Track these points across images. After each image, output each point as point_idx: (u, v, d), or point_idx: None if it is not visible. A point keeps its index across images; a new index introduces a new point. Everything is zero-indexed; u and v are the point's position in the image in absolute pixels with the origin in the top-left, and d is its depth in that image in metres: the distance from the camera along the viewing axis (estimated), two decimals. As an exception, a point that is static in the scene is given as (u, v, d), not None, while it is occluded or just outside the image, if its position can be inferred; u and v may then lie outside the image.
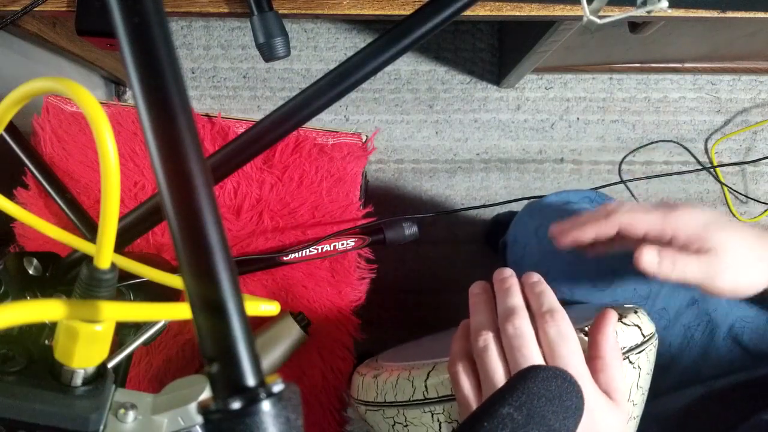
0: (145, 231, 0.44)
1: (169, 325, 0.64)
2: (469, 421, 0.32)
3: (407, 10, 0.53)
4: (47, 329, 0.30)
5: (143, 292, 0.44)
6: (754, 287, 0.45)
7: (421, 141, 1.22)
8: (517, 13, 0.53)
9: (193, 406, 0.28)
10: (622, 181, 1.20)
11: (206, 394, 0.29)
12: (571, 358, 0.39)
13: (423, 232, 0.75)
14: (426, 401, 0.45)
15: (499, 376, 0.40)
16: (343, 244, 0.68)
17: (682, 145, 1.23)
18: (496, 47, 1.23)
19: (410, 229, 0.70)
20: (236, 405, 0.18)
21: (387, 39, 0.36)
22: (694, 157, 1.23)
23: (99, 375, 0.26)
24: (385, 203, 1.22)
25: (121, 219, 0.40)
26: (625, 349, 0.43)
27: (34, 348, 0.27)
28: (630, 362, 0.44)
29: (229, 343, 0.18)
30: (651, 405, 0.51)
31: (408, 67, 1.23)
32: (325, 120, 1.23)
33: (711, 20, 0.53)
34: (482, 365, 0.41)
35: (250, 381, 0.18)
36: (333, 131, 0.71)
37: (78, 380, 0.25)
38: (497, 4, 0.53)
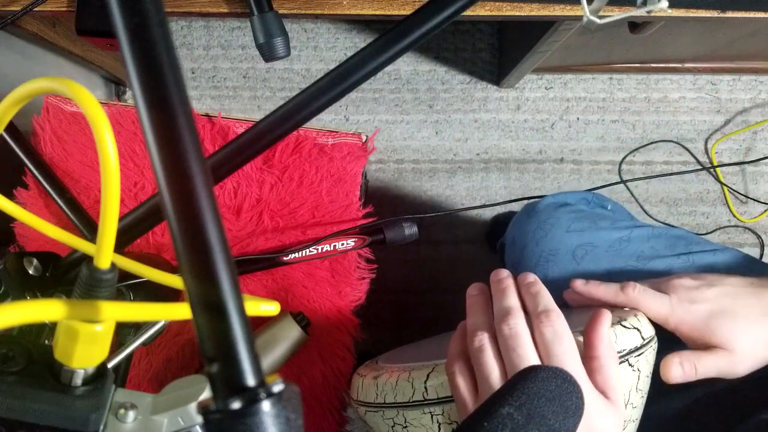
0: (145, 231, 0.44)
1: (169, 325, 0.64)
2: (469, 420, 0.32)
3: (407, 10, 0.53)
4: (47, 329, 0.30)
5: (143, 292, 0.44)
6: None
7: (421, 141, 1.22)
8: (517, 13, 0.53)
9: (193, 406, 0.28)
10: (622, 181, 1.20)
11: (206, 394, 0.29)
12: (567, 357, 0.39)
13: (423, 232, 0.75)
14: (425, 402, 0.45)
15: (495, 376, 0.40)
16: (343, 244, 0.68)
17: (682, 145, 1.23)
18: (496, 47, 1.23)
19: (410, 229, 0.70)
20: (236, 405, 0.18)
21: (387, 39, 0.36)
22: (694, 157, 1.23)
23: (99, 375, 0.26)
24: (385, 203, 1.22)
25: (121, 219, 0.40)
26: (624, 352, 0.43)
27: (34, 348, 0.27)
28: (629, 365, 0.44)
29: (229, 343, 0.18)
30: (652, 406, 0.51)
31: (408, 67, 1.23)
32: (325, 120, 1.23)
33: (711, 20, 0.53)
34: (478, 365, 0.42)
35: (250, 381, 0.18)
36: (333, 131, 0.71)
37: (78, 380, 0.25)
38: (497, 4, 0.53)
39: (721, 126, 1.24)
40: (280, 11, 0.53)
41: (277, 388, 0.19)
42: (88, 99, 0.21)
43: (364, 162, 0.71)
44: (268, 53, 0.53)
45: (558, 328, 0.40)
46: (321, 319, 0.70)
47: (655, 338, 0.48)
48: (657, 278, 0.52)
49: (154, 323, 0.39)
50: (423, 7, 0.35)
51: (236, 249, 0.69)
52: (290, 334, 0.66)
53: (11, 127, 0.67)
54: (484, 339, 0.42)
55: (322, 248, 0.68)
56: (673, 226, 1.22)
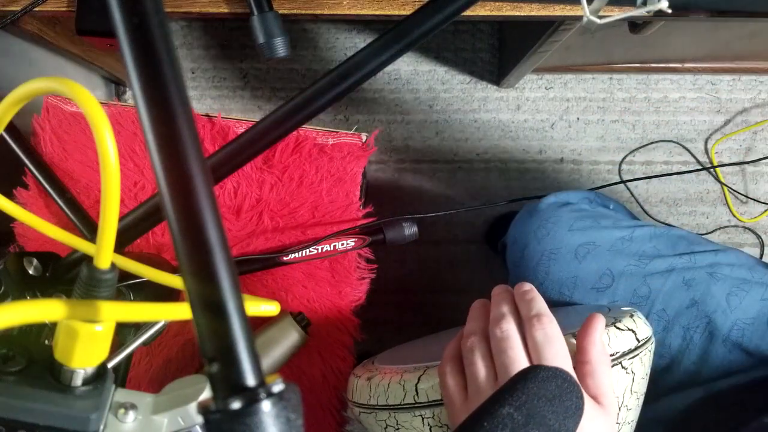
0: (145, 231, 0.44)
1: (169, 325, 0.64)
2: (469, 421, 0.32)
3: (407, 10, 0.53)
4: (47, 329, 0.30)
5: (143, 292, 0.44)
6: None
7: (421, 141, 1.22)
8: (517, 13, 0.53)
9: (193, 406, 0.28)
10: (622, 181, 1.20)
11: (206, 394, 0.29)
12: (557, 361, 0.39)
13: (423, 232, 0.75)
14: (416, 405, 0.46)
15: (483, 376, 0.41)
16: (343, 244, 0.68)
17: (682, 145, 1.23)
18: (496, 47, 1.23)
19: (410, 229, 0.70)
20: (236, 405, 0.18)
21: (387, 39, 0.36)
22: (694, 157, 1.23)
23: (99, 375, 0.26)
24: (385, 203, 1.22)
25: (121, 219, 0.40)
26: (618, 354, 0.43)
27: (34, 348, 0.27)
28: (623, 367, 0.44)
29: (229, 343, 0.18)
30: (651, 407, 0.51)
31: (408, 67, 1.23)
32: (325, 120, 1.23)
33: (711, 20, 0.53)
34: (468, 366, 0.42)
35: (250, 381, 0.18)
36: (333, 131, 0.71)
37: (78, 380, 0.25)
38: (497, 4, 0.53)
39: (721, 126, 1.24)
40: (280, 11, 0.53)
41: (277, 388, 0.19)
42: (88, 99, 0.21)
43: (364, 162, 0.71)
44: (268, 53, 0.53)
45: (549, 331, 0.40)
46: (321, 319, 0.70)
47: (652, 339, 0.48)
48: None
49: (154, 323, 0.39)
50: (423, 7, 0.35)
51: (236, 249, 0.69)
52: (290, 334, 0.66)
53: (11, 127, 0.67)
54: (475, 341, 0.43)
55: (322, 248, 0.68)
56: (673, 226, 1.22)
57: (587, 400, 0.39)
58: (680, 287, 0.56)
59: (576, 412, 0.32)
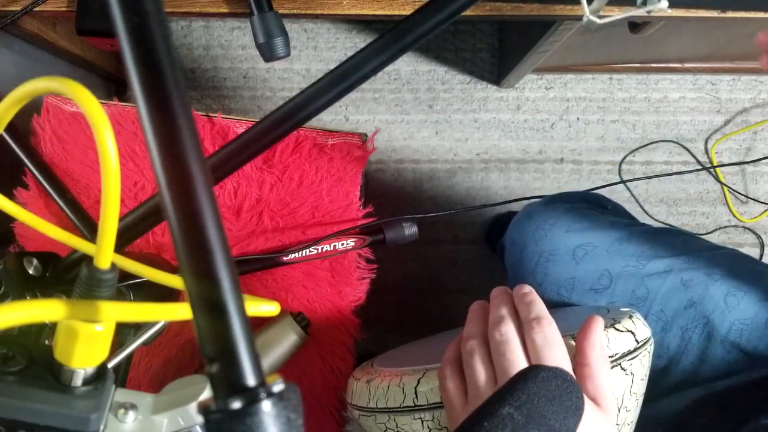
0: (145, 231, 0.45)
1: (169, 325, 0.64)
2: (469, 421, 0.32)
3: (407, 10, 0.53)
4: (47, 329, 0.30)
5: (143, 292, 0.44)
6: None
7: (421, 141, 1.22)
8: (517, 13, 0.53)
9: (193, 406, 0.28)
10: (622, 181, 1.20)
11: (206, 394, 0.29)
12: (557, 363, 0.39)
13: (423, 232, 0.75)
14: (416, 408, 0.46)
15: (483, 379, 0.41)
16: (343, 244, 0.68)
17: (682, 145, 1.23)
18: (496, 47, 1.23)
19: (410, 229, 0.70)
20: (236, 405, 0.18)
21: (387, 39, 0.36)
22: (694, 157, 1.23)
23: (99, 375, 0.26)
24: (385, 203, 1.22)
25: (121, 219, 0.40)
26: (618, 356, 0.43)
27: (34, 348, 0.27)
28: (622, 369, 0.43)
29: (229, 343, 0.18)
30: (650, 407, 0.51)
31: (408, 67, 1.23)
32: (325, 120, 1.23)
33: (711, 20, 0.53)
34: (468, 369, 0.42)
35: (251, 381, 0.18)
36: (333, 131, 0.71)
37: (78, 380, 0.25)
38: (497, 4, 0.53)
39: (721, 126, 1.24)
40: (280, 11, 0.53)
41: (278, 388, 0.19)
42: (88, 99, 0.21)
43: (364, 162, 0.71)
44: (268, 53, 0.53)
45: (548, 334, 0.40)
46: (321, 319, 0.70)
47: (651, 340, 0.48)
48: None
49: (154, 323, 0.39)
50: (423, 7, 0.35)
51: (236, 249, 0.69)
52: (290, 334, 0.66)
53: (11, 127, 0.67)
54: (475, 344, 0.43)
55: (322, 248, 0.68)
56: (673, 226, 1.22)
57: (587, 402, 0.39)
58: (678, 288, 0.56)
59: (576, 411, 0.32)
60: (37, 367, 0.26)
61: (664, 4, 0.30)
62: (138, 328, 0.40)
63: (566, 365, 0.40)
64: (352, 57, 0.36)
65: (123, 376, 0.44)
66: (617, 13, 0.33)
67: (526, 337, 0.41)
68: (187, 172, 0.18)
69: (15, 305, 0.20)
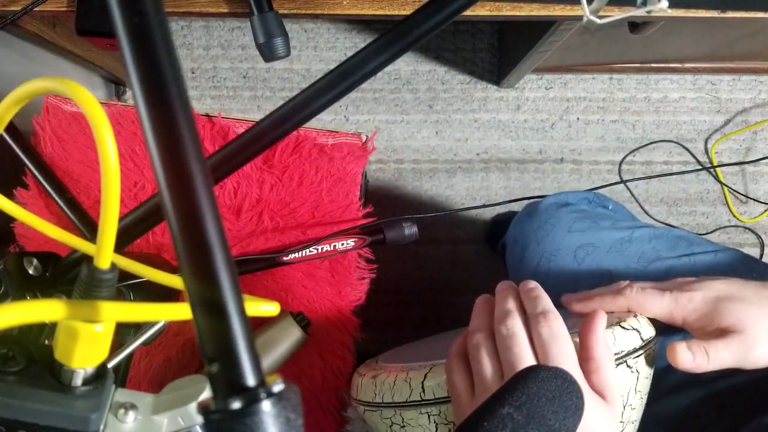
0: (145, 231, 0.44)
1: (169, 325, 0.64)
2: (469, 420, 0.32)
3: (407, 10, 0.53)
4: (47, 329, 0.30)
5: (143, 292, 0.44)
6: None
7: (421, 141, 1.22)
8: (517, 13, 0.53)
9: (193, 406, 0.28)
10: (622, 181, 1.20)
11: (206, 394, 0.29)
12: (563, 358, 0.39)
13: (423, 232, 0.75)
14: (422, 402, 0.46)
15: (490, 374, 0.41)
16: (343, 244, 0.68)
17: (682, 145, 1.23)
18: (496, 47, 1.23)
19: (410, 229, 0.70)
20: (236, 405, 0.18)
21: (387, 39, 0.36)
22: (694, 157, 1.23)
23: (99, 375, 0.26)
24: (385, 203, 1.22)
25: (121, 219, 0.40)
26: (623, 353, 0.43)
27: (34, 348, 0.27)
28: (628, 366, 0.44)
29: (229, 343, 0.18)
30: (652, 406, 0.51)
31: (408, 67, 1.23)
32: (325, 120, 1.23)
33: (711, 20, 0.53)
34: (474, 363, 0.42)
35: (250, 381, 0.18)
36: (333, 131, 0.71)
37: (78, 380, 0.25)
38: (497, 4, 0.53)
39: (721, 126, 1.24)
40: (280, 11, 0.53)
41: (277, 387, 0.19)
42: (88, 99, 0.21)
43: (364, 162, 0.71)
44: (268, 53, 0.53)
45: (555, 328, 0.40)
46: (321, 319, 0.70)
47: (656, 339, 0.48)
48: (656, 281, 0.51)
49: (154, 323, 0.39)
50: (423, 7, 0.35)
51: (236, 249, 0.69)
52: (290, 334, 0.66)
53: (11, 127, 0.67)
54: (481, 338, 0.43)
55: (322, 248, 0.68)
56: (673, 226, 1.22)
57: (592, 396, 0.39)
58: None
59: (576, 411, 0.32)
60: (37, 367, 0.26)
61: (664, 4, 0.30)
62: (138, 328, 0.40)
63: (573, 359, 0.40)
64: (352, 57, 0.36)
65: (123, 376, 0.44)
66: (617, 13, 0.33)
67: (533, 331, 0.41)
68: (187, 172, 0.18)
69: (15, 305, 0.20)
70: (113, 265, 0.25)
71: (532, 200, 0.70)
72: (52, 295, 0.38)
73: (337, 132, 0.71)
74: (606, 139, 1.23)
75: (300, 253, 0.67)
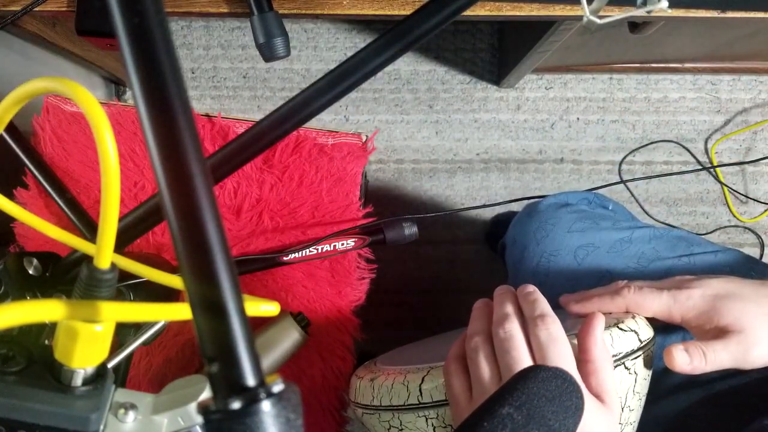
0: (145, 231, 0.44)
1: (169, 325, 0.64)
2: (469, 420, 0.32)
3: (407, 10, 0.53)
4: (47, 329, 0.30)
5: (143, 292, 0.44)
6: None
7: (421, 141, 1.22)
8: (517, 13, 0.53)
9: (193, 406, 0.28)
10: (622, 181, 1.20)
11: (206, 394, 0.29)
12: (561, 361, 0.39)
13: (423, 232, 0.75)
14: (420, 406, 0.46)
15: (488, 376, 0.41)
16: (343, 244, 0.68)
17: (682, 145, 1.23)
18: (496, 47, 1.23)
19: (410, 229, 0.70)
20: (236, 405, 0.18)
21: (387, 39, 0.36)
22: (694, 157, 1.23)
23: (99, 375, 0.26)
24: (385, 203, 1.22)
25: (121, 219, 0.40)
26: (621, 355, 0.43)
27: (34, 348, 0.27)
28: (626, 368, 0.44)
29: (229, 343, 0.18)
30: (651, 408, 0.51)
31: (408, 67, 1.23)
32: (325, 120, 1.23)
33: (711, 20, 0.53)
34: (472, 366, 0.42)
35: (250, 381, 0.18)
36: (333, 131, 0.71)
37: (78, 380, 0.25)
38: (497, 4, 0.53)
39: (721, 126, 1.24)
40: (280, 11, 0.53)
41: (277, 388, 0.19)
42: (88, 99, 0.21)
43: (364, 162, 0.71)
44: (268, 53, 0.53)
45: (553, 331, 0.40)
46: (321, 319, 0.70)
47: (655, 340, 0.48)
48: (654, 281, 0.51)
49: (154, 323, 0.39)
50: (423, 7, 0.35)
51: (236, 249, 0.69)
52: (290, 334, 0.66)
53: (11, 127, 0.67)
54: (479, 341, 0.43)
55: (322, 248, 0.68)
56: (673, 226, 1.22)
57: (590, 399, 0.39)
58: None
59: (576, 412, 0.32)
60: (37, 367, 0.26)
61: (664, 4, 0.30)
62: (138, 328, 0.40)
63: (571, 362, 0.40)
64: (352, 57, 0.36)
65: (123, 376, 0.44)
66: (617, 13, 0.32)
67: (531, 335, 0.41)
68: (187, 172, 0.18)
69: (15, 305, 0.20)
70: (113, 265, 0.25)
71: (532, 200, 0.70)
72: (52, 295, 0.38)
73: (337, 132, 0.71)
74: (606, 139, 1.23)
75: (300, 253, 0.67)
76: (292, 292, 0.70)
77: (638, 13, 0.31)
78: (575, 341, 0.42)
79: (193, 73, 1.23)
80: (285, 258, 0.67)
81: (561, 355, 0.40)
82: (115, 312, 0.24)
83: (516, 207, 0.77)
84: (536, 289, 0.46)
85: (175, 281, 0.33)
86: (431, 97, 1.23)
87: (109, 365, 0.31)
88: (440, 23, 0.35)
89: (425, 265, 1.21)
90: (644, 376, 0.46)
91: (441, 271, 1.21)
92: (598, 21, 0.32)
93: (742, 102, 1.24)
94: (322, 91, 0.36)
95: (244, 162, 0.40)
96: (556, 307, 0.60)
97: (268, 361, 0.65)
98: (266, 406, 0.18)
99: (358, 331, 0.71)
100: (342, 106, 1.22)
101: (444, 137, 1.23)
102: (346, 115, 1.23)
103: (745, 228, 1.24)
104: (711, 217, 1.24)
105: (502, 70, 1.20)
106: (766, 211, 1.23)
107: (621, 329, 0.44)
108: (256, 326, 0.68)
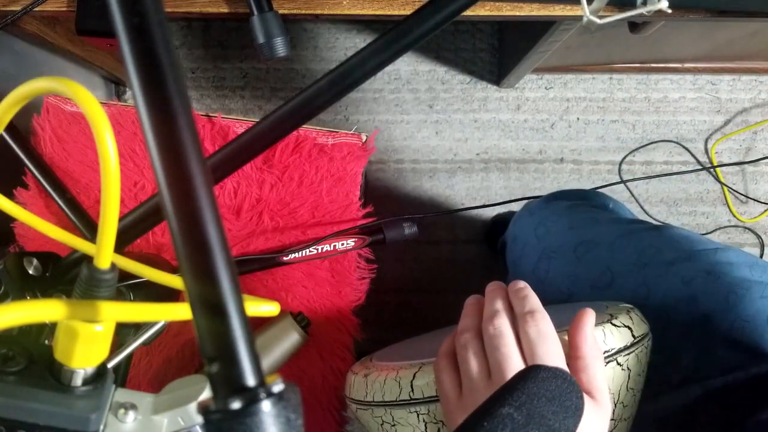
0: (145, 231, 0.45)
1: (169, 325, 0.64)
2: (469, 420, 0.32)
3: (407, 10, 0.53)
4: (47, 329, 0.30)
5: (143, 292, 0.44)
6: None
7: (421, 141, 1.22)
8: (517, 13, 0.53)
9: (193, 406, 0.28)
10: (622, 181, 1.20)
11: (206, 394, 0.29)
12: (551, 357, 0.39)
13: (423, 232, 0.75)
14: (411, 402, 0.46)
15: (476, 372, 0.41)
16: (343, 244, 0.68)
17: (682, 145, 1.23)
18: (496, 47, 1.23)
19: (410, 229, 0.70)
20: (236, 405, 0.18)
21: (387, 39, 0.36)
22: (694, 157, 1.23)
23: (99, 375, 0.26)
24: (385, 203, 1.22)
25: (121, 219, 0.40)
26: (614, 351, 0.43)
27: (34, 348, 0.27)
28: (618, 364, 0.44)
29: (229, 343, 0.18)
30: (650, 405, 0.51)
31: (408, 67, 1.23)
32: (325, 120, 1.23)
33: (711, 20, 0.53)
34: (462, 363, 0.42)
35: (250, 381, 0.18)
36: (333, 131, 0.71)
37: (78, 380, 0.25)
38: (497, 4, 0.53)
39: (721, 126, 1.24)
40: (280, 11, 0.53)
41: (277, 388, 0.19)
42: (88, 99, 0.21)
43: (364, 162, 0.71)
44: (268, 53, 0.53)
45: (542, 327, 0.40)
46: (321, 319, 0.70)
47: (649, 336, 0.48)
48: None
49: (154, 323, 0.39)
50: (423, 7, 0.35)
51: (236, 249, 0.69)
52: (290, 334, 0.66)
53: (11, 127, 0.67)
54: (469, 337, 0.43)
55: (322, 248, 0.68)
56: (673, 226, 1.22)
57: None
58: (679, 285, 0.56)
59: (576, 411, 0.33)
60: (37, 367, 0.26)
61: (664, 4, 0.30)
62: (138, 328, 0.40)
63: (560, 359, 0.40)
64: (352, 57, 0.36)
65: (123, 376, 0.44)
66: (617, 13, 0.33)
67: (520, 331, 0.41)
68: (187, 172, 0.18)
69: (15, 305, 0.20)
70: (113, 265, 0.25)
71: (532, 200, 0.70)
72: (52, 295, 0.38)
73: (337, 132, 0.71)
74: (606, 139, 1.23)
75: (300, 253, 0.67)
76: (292, 292, 0.70)
77: (638, 13, 0.31)
78: (566, 337, 0.42)
79: (193, 73, 1.23)
80: (285, 258, 0.67)
81: (550, 351, 0.40)
82: (115, 312, 0.24)
83: (516, 207, 0.77)
84: (527, 285, 0.46)
85: (175, 281, 0.33)
86: (431, 97, 1.23)
87: (109, 365, 0.31)
88: (440, 23, 0.35)
89: (425, 265, 1.21)
90: (638, 372, 0.46)
91: (441, 271, 1.21)
92: (598, 21, 0.32)
93: (742, 102, 1.24)
94: (322, 91, 0.36)
95: (244, 162, 0.40)
96: (555, 302, 0.60)
97: (268, 361, 0.65)
98: (266, 406, 0.18)
99: (358, 331, 0.71)
100: (342, 106, 1.22)
101: (444, 137, 1.23)
102: (346, 115, 1.23)
103: (745, 228, 1.24)
104: (711, 217, 1.24)
105: (502, 70, 1.20)
106: (766, 211, 1.23)
107: (614, 325, 0.44)
108: (256, 326, 0.68)
